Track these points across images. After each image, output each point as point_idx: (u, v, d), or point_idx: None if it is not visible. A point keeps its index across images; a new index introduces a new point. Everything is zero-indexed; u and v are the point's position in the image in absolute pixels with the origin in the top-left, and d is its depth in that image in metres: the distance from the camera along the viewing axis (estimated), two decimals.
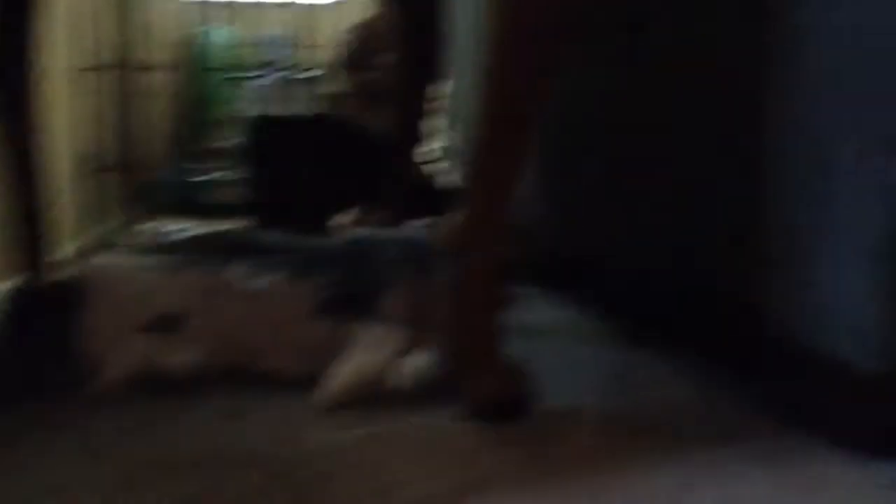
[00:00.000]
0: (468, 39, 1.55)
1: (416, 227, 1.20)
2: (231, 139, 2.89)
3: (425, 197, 1.81)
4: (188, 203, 2.42)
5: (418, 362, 1.00)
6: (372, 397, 0.96)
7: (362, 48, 3.60)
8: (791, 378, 0.88)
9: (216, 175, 2.65)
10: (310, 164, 2.06)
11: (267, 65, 3.49)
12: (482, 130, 0.94)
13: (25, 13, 1.21)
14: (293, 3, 3.54)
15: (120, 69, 2.40)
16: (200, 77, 3.28)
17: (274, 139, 2.16)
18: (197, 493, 0.72)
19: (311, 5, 3.45)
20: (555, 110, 0.93)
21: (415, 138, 1.60)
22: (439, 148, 2.19)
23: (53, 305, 1.05)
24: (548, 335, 1.25)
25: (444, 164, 2.25)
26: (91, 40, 2.17)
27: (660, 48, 1.10)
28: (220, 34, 3.33)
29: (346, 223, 1.66)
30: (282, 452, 0.82)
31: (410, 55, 1.48)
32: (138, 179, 2.50)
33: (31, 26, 1.22)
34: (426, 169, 2.01)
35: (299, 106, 3.08)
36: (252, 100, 3.31)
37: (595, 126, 1.27)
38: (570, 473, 0.76)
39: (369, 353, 1.01)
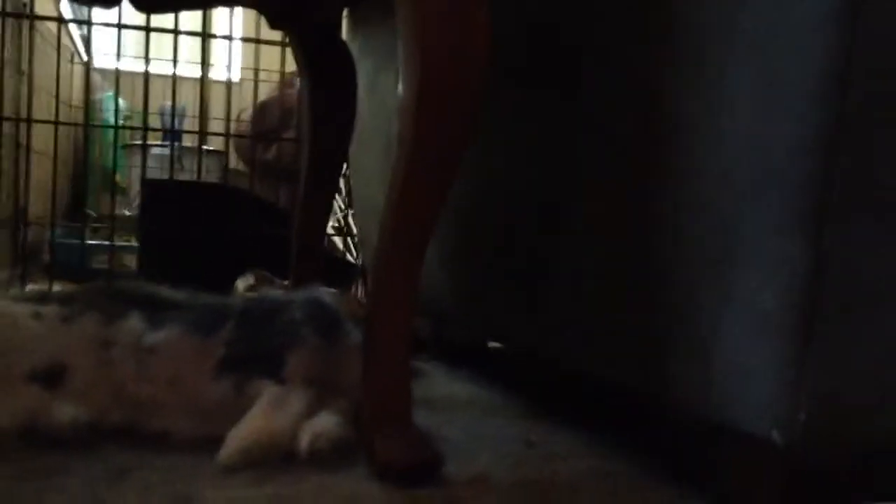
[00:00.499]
0: (373, 124, 1.59)
1: (319, 292, 1.19)
2: (125, 205, 2.81)
3: (327, 266, 1.81)
4: (78, 266, 2.31)
5: (323, 424, 0.97)
6: (274, 458, 0.92)
7: (263, 124, 3.64)
8: (693, 450, 0.90)
9: (108, 240, 2.55)
10: (205, 228, 2.02)
11: (164, 134, 3.45)
12: (391, 200, 0.95)
13: None
14: (194, 77, 3.54)
15: (16, 122, 2.31)
16: (98, 141, 3.21)
17: (169, 203, 2.12)
18: None
19: (211, 79, 3.46)
20: (458, 187, 0.95)
21: (323, 212, 1.60)
22: (339, 222, 2.20)
23: None
24: (453, 409, 1.24)
25: (343, 237, 2.26)
26: None
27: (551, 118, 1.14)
28: (120, 101, 3.28)
29: (245, 286, 1.63)
30: None
31: (323, 133, 1.50)
32: (25, 238, 2.38)
33: None
34: (328, 240, 2.01)
35: (194, 175, 3.05)
36: (149, 167, 3.25)
37: (491, 203, 1.30)
38: None
39: (273, 413, 0.97)
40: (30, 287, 2.15)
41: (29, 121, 2.24)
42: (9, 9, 2.29)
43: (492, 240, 1.27)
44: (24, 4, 2.48)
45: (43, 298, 1.15)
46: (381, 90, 1.55)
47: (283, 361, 1.03)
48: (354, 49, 1.52)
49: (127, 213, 3.17)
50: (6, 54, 2.23)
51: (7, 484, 0.82)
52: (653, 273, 0.92)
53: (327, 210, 1.56)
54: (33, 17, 2.39)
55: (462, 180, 0.92)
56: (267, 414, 0.97)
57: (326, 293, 1.18)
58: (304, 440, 0.94)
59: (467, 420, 1.18)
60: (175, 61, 2.23)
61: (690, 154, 0.86)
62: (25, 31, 2.39)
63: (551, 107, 1.12)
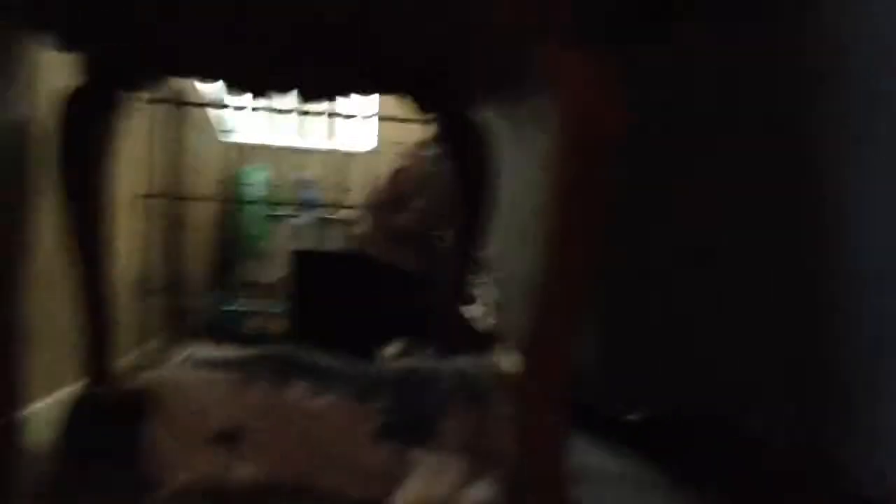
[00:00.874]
0: (512, 197, 1.64)
1: (466, 361, 1.24)
2: (267, 272, 2.98)
3: (468, 336, 1.86)
4: (226, 330, 2.47)
5: (481, 493, 1.01)
6: None
7: (394, 192, 3.78)
8: None
9: (253, 305, 2.71)
10: (349, 296, 2.13)
11: (302, 204, 3.65)
12: (545, 266, 0.98)
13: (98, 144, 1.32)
14: (329, 150, 3.73)
15: (168, 199, 2.52)
16: (240, 212, 3.42)
17: (314, 272, 2.25)
18: None
19: (346, 152, 3.65)
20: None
21: (462, 282, 1.66)
22: (480, 294, 2.25)
23: (119, 415, 1.08)
24: (603, 482, 1.25)
25: (483, 308, 2.30)
26: (144, 171, 2.29)
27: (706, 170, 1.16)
28: (260, 173, 3.52)
29: (392, 354, 1.70)
30: None
31: (465, 207, 1.56)
32: (181, 304, 2.56)
33: (103, 154, 1.33)
34: (467, 310, 2.06)
35: (332, 243, 3.19)
36: (288, 236, 3.44)
37: (640, 271, 1.32)
38: None
39: (431, 480, 1.02)
40: (189, 351, 2.31)
41: (186, 198, 2.44)
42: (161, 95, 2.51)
43: (641, 306, 1.29)
44: (182, 91, 2.71)
45: (216, 365, 1.25)
46: (519, 161, 1.62)
47: (438, 431, 1.09)
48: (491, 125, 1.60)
49: (271, 280, 3.35)
50: (155, 136, 2.45)
51: None
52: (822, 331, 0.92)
53: (467, 279, 1.62)
54: (187, 103, 2.60)
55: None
56: (427, 480, 1.02)
57: (474, 363, 1.23)
58: None
59: (619, 494, 1.18)
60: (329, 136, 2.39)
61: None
62: (177, 115, 2.61)
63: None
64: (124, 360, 1.91)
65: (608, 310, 1.38)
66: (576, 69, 0.89)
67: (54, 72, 1.28)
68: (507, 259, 1.76)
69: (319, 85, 1.14)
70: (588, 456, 1.38)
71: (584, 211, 0.94)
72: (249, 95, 1.37)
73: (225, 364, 1.25)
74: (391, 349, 1.70)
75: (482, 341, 2.21)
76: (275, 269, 3.56)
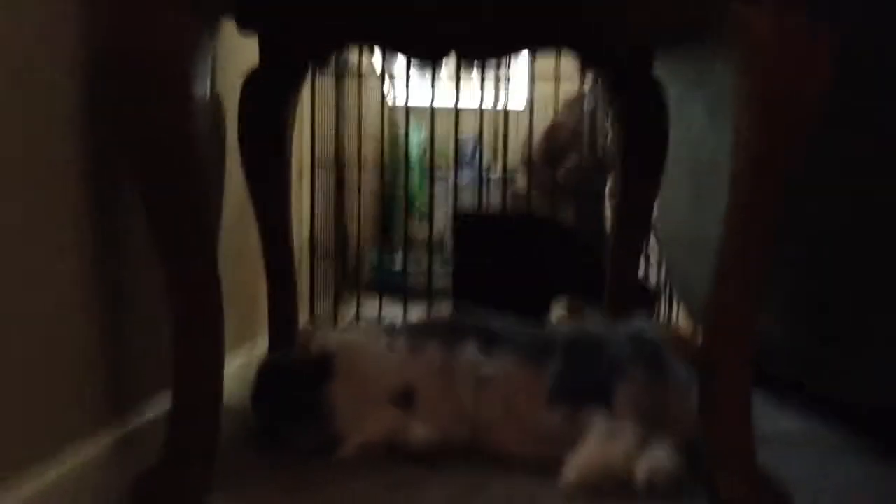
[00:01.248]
0: (678, 151, 1.57)
1: (642, 325, 1.21)
2: (428, 231, 3.02)
3: (638, 294, 1.82)
4: (391, 288, 2.55)
5: (659, 458, 0.99)
6: (610, 486, 0.96)
7: (551, 149, 3.74)
8: None
9: (416, 263, 2.78)
10: (511, 255, 2.14)
11: (462, 164, 3.67)
12: (731, 229, 0.94)
13: (276, 121, 1.37)
14: (486, 109, 3.71)
15: (335, 164, 2.61)
16: (402, 174, 3.49)
17: (475, 231, 2.27)
18: None
19: (503, 111, 3.61)
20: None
21: (637, 240, 1.61)
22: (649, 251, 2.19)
23: (302, 377, 1.15)
24: (789, 446, 1.19)
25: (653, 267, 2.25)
26: (310, 139, 2.38)
27: None
28: (420, 135, 3.57)
29: (559, 315, 1.69)
30: None
31: (634, 164, 1.51)
32: (348, 264, 2.67)
33: (283, 130, 1.38)
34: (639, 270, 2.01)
35: (492, 202, 3.20)
36: (448, 195, 3.48)
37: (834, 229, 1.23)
38: None
39: (608, 443, 1.01)
40: (353, 308, 2.41)
41: (360, 164, 2.53)
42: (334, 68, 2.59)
43: (830, 268, 1.21)
44: (345, 61, 2.78)
45: (391, 330, 1.30)
46: (687, 118, 1.54)
47: (612, 395, 1.07)
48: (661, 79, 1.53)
49: (433, 239, 3.42)
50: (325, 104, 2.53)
51: (381, 491, 0.94)
52: None
53: (641, 238, 1.58)
54: (359, 75, 2.68)
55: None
56: (602, 444, 1.01)
57: (649, 328, 1.19)
58: (642, 473, 0.97)
59: (807, 459, 1.12)
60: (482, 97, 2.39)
61: None
62: (340, 83, 2.68)
63: None
64: (304, 325, 2.03)
65: (790, 272, 1.30)
66: (772, 30, 0.83)
67: (239, 53, 1.35)
68: (676, 217, 1.69)
69: (488, 41, 1.12)
70: (770, 420, 1.32)
71: (774, 184, 0.89)
72: (412, 59, 1.38)
73: (399, 329, 1.29)
74: (558, 309, 1.69)
75: (652, 300, 2.16)
76: (436, 228, 3.64)
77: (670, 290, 2.16)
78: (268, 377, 1.17)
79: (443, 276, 2.66)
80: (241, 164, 1.35)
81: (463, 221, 2.32)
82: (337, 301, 2.46)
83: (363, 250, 2.96)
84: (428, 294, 2.31)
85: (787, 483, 0.90)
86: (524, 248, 2.15)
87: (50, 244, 0.76)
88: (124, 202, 0.92)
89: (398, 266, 2.69)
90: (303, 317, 2.20)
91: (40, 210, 0.74)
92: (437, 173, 2.69)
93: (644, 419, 1.06)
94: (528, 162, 3.68)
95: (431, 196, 2.50)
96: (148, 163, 0.84)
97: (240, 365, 1.42)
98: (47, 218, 0.76)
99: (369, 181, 3.23)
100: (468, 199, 3.26)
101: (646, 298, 2.16)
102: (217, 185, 1.34)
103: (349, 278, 2.84)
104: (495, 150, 3.49)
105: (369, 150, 3.10)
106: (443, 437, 1.10)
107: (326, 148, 2.50)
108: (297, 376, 1.14)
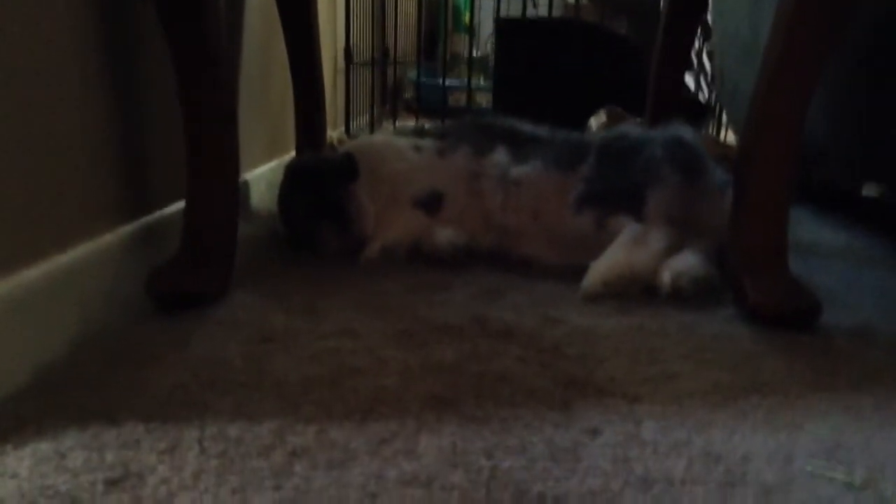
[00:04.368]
0: None
1: (680, 130, 1.14)
2: (474, 46, 2.90)
3: (687, 105, 1.73)
4: (431, 104, 2.48)
5: (685, 262, 0.95)
6: (635, 292, 0.94)
7: None
8: None
9: (458, 80, 2.69)
10: (558, 65, 2.03)
11: None
12: (778, 30, 0.85)
13: None
14: None
15: None
16: None
17: (520, 40, 2.15)
18: (463, 355, 0.74)
19: None
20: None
21: (683, 50, 1.50)
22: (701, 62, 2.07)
23: (328, 175, 1.12)
24: (827, 256, 1.15)
25: (695, 75, 2.13)
26: None
27: None
28: None
29: (599, 123, 1.62)
30: (545, 331, 0.82)
31: None
32: (387, 78, 2.60)
33: None
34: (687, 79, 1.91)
35: (542, 11, 3.05)
36: (496, 5, 3.31)
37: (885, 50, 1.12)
38: (857, 388, 0.69)
39: (635, 248, 0.98)
40: (391, 122, 2.37)
41: None
42: None
43: (886, 67, 1.10)
44: None
45: (420, 133, 1.25)
46: None
47: (644, 199, 1.03)
48: None
49: (476, 53, 3.29)
50: None
51: (402, 293, 0.93)
52: None
53: (688, 48, 1.47)
54: None
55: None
56: (628, 249, 0.98)
57: (687, 132, 1.12)
58: (666, 277, 0.94)
59: (844, 269, 1.09)
60: None
61: None
62: None
63: None
64: (334, 132, 1.99)
65: (847, 84, 1.19)
66: None
67: None
68: (729, 25, 1.56)
69: None
70: (810, 231, 1.28)
71: None
72: None
73: (428, 132, 1.25)
74: (597, 118, 1.62)
75: (701, 111, 2.06)
76: (479, 43, 3.49)
77: (721, 108, 2.05)
78: (293, 177, 1.15)
79: (486, 93, 2.58)
80: None
81: (506, 28, 2.20)
82: (373, 118, 2.41)
83: (403, 65, 2.86)
84: (467, 110, 2.24)
85: (819, 291, 0.87)
86: (569, 55, 2.03)
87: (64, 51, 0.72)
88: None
89: (441, 82, 2.61)
90: (341, 129, 2.17)
91: (57, 10, 0.70)
92: None
93: (677, 224, 1.02)
94: None
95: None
96: None
97: (270, 168, 1.41)
98: (61, 24, 0.71)
99: None
100: (517, 12, 3.11)
101: (697, 112, 2.06)
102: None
103: (388, 95, 2.77)
104: None
105: None
106: (468, 242, 1.08)
107: None
108: (321, 175, 1.12)
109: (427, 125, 1.66)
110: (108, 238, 0.81)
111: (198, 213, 0.86)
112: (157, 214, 0.93)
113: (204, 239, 0.86)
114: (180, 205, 0.90)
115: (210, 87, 0.85)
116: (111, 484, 0.50)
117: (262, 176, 1.36)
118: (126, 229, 0.85)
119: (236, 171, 0.91)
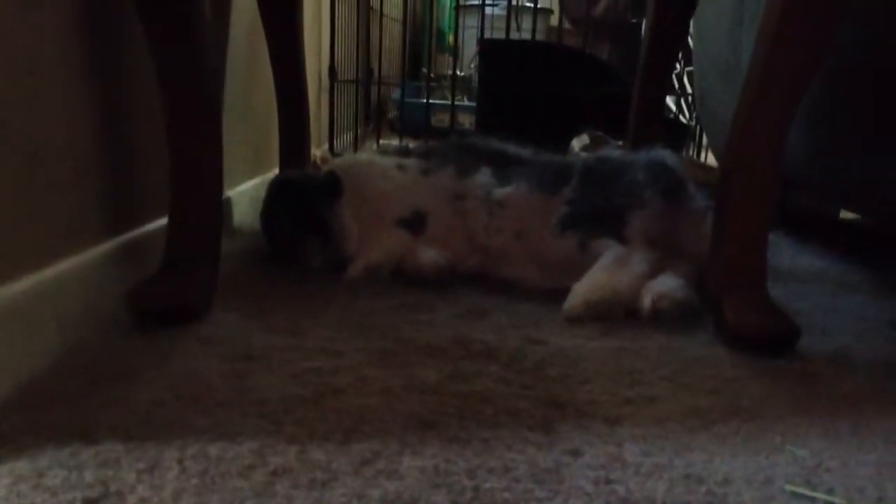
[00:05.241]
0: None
1: (661, 154, 1.15)
2: (456, 66, 2.92)
3: (667, 127, 1.75)
4: (415, 123, 2.49)
5: (666, 285, 0.96)
6: (617, 314, 0.95)
7: None
8: None
9: (441, 99, 2.70)
10: (540, 87, 2.05)
11: None
12: (759, 54, 0.86)
13: None
14: None
15: None
16: (435, 4, 3.33)
17: (504, 62, 2.17)
18: (446, 375, 0.74)
19: None
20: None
21: (664, 74, 1.53)
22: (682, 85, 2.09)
23: (311, 192, 1.12)
24: (804, 281, 1.17)
25: (676, 97, 2.15)
26: None
27: None
28: None
29: (581, 145, 1.63)
30: (527, 351, 0.82)
31: (668, 1, 1.41)
32: (371, 97, 2.60)
33: None
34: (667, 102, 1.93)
35: (525, 35, 3.08)
36: (478, 27, 3.34)
37: (862, 75, 1.14)
38: (835, 412, 0.70)
39: (616, 270, 0.99)
40: (376, 141, 2.37)
41: None
42: None
43: (863, 95, 1.12)
44: None
45: (404, 152, 1.26)
46: None
47: (626, 222, 1.03)
48: None
49: (460, 73, 3.31)
50: None
51: (385, 313, 0.93)
52: None
53: (669, 72, 1.49)
54: None
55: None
56: (611, 271, 0.99)
57: (669, 155, 1.14)
58: (647, 300, 0.95)
59: (821, 294, 1.10)
60: None
61: None
62: None
63: None
64: (318, 150, 1.99)
65: (824, 109, 1.22)
66: None
67: None
68: (710, 47, 1.59)
69: None
70: (788, 256, 1.30)
71: (812, 8, 0.80)
72: None
73: (412, 152, 1.26)
74: (579, 140, 1.64)
75: (676, 133, 2.08)
76: (465, 63, 3.51)
77: (701, 130, 2.08)
78: (277, 190, 1.16)
79: (469, 113, 2.59)
80: None
81: (490, 50, 2.22)
82: (357, 137, 2.41)
83: (387, 85, 2.87)
84: (451, 130, 2.25)
85: (797, 316, 0.88)
86: (552, 78, 2.05)
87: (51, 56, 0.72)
88: (130, 13, 0.87)
89: (425, 101, 2.62)
90: (324, 148, 2.17)
91: (42, 25, 0.70)
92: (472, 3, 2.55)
93: (659, 247, 1.03)
94: None
95: (458, 17, 2.38)
96: None
97: (253, 185, 1.41)
98: (45, 38, 0.71)
99: (400, 11, 3.09)
100: (500, 33, 3.15)
101: (678, 135, 2.09)
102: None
103: (372, 114, 2.77)
104: None
105: None
106: (452, 262, 1.09)
107: None
108: (304, 192, 1.12)
109: (411, 144, 1.67)
110: (90, 254, 0.80)
111: (181, 229, 0.86)
112: (140, 230, 0.92)
113: (186, 255, 0.85)
114: (163, 221, 0.90)
115: (195, 104, 0.85)
116: (90, 503, 0.50)
117: (245, 193, 1.35)
118: (108, 245, 0.84)
119: (220, 187, 0.91)
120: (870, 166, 1.09)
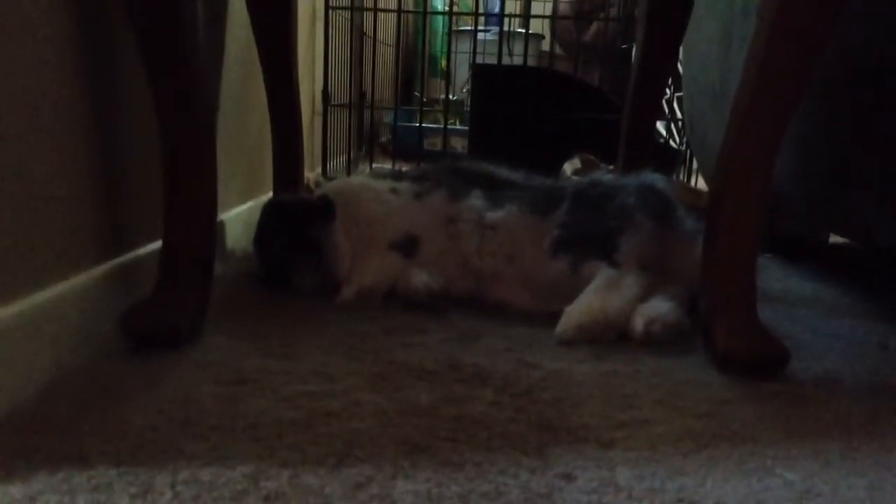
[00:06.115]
0: (708, 5, 1.47)
1: (652, 178, 1.16)
2: (449, 90, 2.94)
3: (657, 152, 1.76)
4: (407, 147, 2.50)
5: (658, 309, 0.97)
6: (608, 338, 0.95)
7: (580, 7, 3.57)
8: None
9: (434, 122, 2.71)
10: (532, 111, 2.07)
11: (487, 20, 3.53)
12: (747, 80, 0.88)
13: None
14: None
15: (351, 10, 2.48)
16: (423, 27, 3.36)
17: (496, 86, 2.19)
18: (438, 399, 0.74)
19: None
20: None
21: (655, 99, 1.54)
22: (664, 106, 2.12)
23: (304, 216, 1.12)
24: (794, 305, 1.18)
25: (666, 122, 2.18)
26: None
27: None
28: None
29: (573, 169, 1.65)
30: (520, 375, 0.82)
31: (658, 20, 1.43)
32: (364, 120, 2.61)
33: None
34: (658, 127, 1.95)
35: (515, 59, 3.11)
36: (470, 52, 3.38)
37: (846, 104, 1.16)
38: (826, 435, 0.71)
39: (608, 294, 0.99)
40: (368, 164, 2.38)
41: (375, 9, 2.40)
42: None
43: (850, 123, 1.14)
44: None
45: (397, 175, 1.27)
46: None
47: (617, 245, 1.04)
48: None
49: (452, 97, 3.33)
50: None
51: (378, 336, 0.93)
52: None
53: (659, 97, 1.51)
54: None
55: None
56: (602, 294, 0.99)
57: (659, 179, 1.15)
58: (639, 323, 0.95)
59: (811, 318, 1.11)
60: None
61: None
62: None
63: None
64: (311, 174, 2.00)
65: (809, 134, 1.23)
66: None
67: None
68: (699, 73, 1.61)
69: None
70: (777, 280, 1.31)
71: (798, 36, 0.82)
72: None
73: (404, 175, 1.26)
74: (571, 164, 1.65)
75: (667, 157, 2.10)
76: (457, 88, 3.54)
77: (691, 154, 2.10)
78: (270, 213, 1.16)
79: (461, 137, 2.61)
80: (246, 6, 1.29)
81: (482, 74, 2.24)
82: (350, 160, 2.42)
83: (380, 109, 2.89)
84: (443, 153, 2.27)
85: (787, 339, 0.88)
86: (546, 103, 2.07)
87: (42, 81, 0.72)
88: (124, 38, 0.87)
89: (418, 124, 2.64)
90: (317, 171, 2.18)
91: (33, 43, 0.71)
92: (463, 28, 2.57)
93: (650, 270, 1.04)
94: (557, 20, 3.52)
95: (450, 42, 2.40)
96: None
97: (247, 209, 1.41)
98: (38, 66, 0.72)
99: (392, 35, 3.12)
100: (496, 57, 3.19)
101: (668, 159, 2.10)
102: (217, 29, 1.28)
103: (365, 138, 2.78)
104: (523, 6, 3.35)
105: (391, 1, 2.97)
106: (444, 286, 1.09)
107: None
108: (297, 216, 1.12)
109: (404, 168, 1.68)
110: (84, 277, 0.80)
111: (174, 252, 0.86)
112: (133, 254, 0.93)
113: (180, 279, 0.86)
114: (156, 245, 0.90)
115: (189, 130, 0.86)
116: None
117: (238, 216, 1.36)
118: (101, 269, 0.85)
119: (214, 211, 0.91)
120: (849, 197, 1.10)
